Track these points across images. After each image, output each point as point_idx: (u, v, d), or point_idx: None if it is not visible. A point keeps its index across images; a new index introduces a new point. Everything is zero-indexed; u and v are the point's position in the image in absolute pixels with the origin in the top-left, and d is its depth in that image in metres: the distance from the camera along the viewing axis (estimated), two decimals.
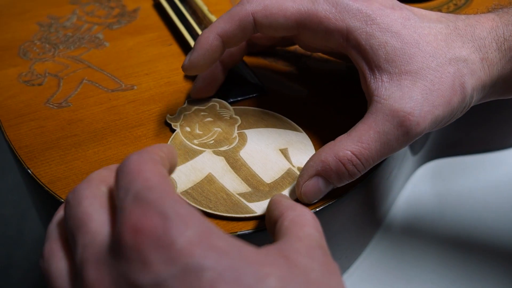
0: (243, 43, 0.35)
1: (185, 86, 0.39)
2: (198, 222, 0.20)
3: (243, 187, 0.31)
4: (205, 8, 0.47)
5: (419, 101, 0.28)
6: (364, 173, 0.30)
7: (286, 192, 0.31)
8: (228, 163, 0.33)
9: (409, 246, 0.41)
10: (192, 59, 0.32)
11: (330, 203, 0.31)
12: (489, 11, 0.32)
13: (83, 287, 0.21)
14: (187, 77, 0.40)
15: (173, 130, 0.35)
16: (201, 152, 0.33)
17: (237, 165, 0.33)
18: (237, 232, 0.29)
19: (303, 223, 0.24)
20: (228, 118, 0.36)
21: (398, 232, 0.42)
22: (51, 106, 0.37)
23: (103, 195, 0.24)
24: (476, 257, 0.40)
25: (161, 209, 0.20)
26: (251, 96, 0.38)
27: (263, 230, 0.29)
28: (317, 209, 0.30)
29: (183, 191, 0.31)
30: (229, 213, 0.30)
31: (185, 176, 0.32)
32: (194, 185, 0.31)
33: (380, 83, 0.30)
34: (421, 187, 0.46)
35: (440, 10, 0.47)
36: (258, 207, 0.30)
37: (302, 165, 0.31)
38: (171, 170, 0.27)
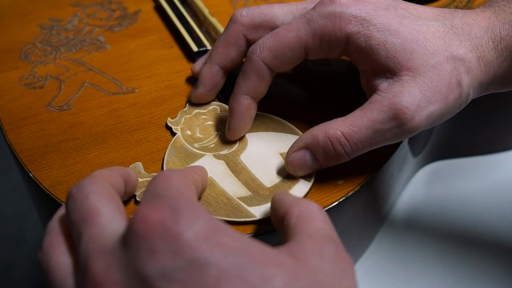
0: (243, 47, 0.35)
1: (185, 89, 0.39)
2: (207, 218, 0.21)
3: (243, 191, 0.31)
4: (206, 11, 0.47)
5: (417, 97, 0.29)
6: (353, 157, 0.30)
7: None
8: (229, 167, 0.33)
9: (410, 248, 0.41)
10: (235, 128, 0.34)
11: (332, 205, 0.31)
12: (485, 5, 0.33)
13: (87, 278, 0.21)
14: (188, 80, 0.40)
15: (174, 134, 0.35)
16: (201, 155, 0.33)
17: (237, 169, 0.33)
18: None
19: (311, 218, 0.24)
20: None
21: (399, 233, 0.42)
22: (53, 109, 0.37)
23: (108, 192, 0.25)
24: (477, 258, 0.40)
25: (173, 202, 0.21)
26: None
27: (263, 234, 0.29)
28: None
29: None
30: (229, 217, 0.30)
31: None
32: None
33: (381, 80, 0.30)
34: (422, 189, 0.46)
35: None
36: (258, 211, 0.30)
37: None
38: (202, 191, 0.30)
